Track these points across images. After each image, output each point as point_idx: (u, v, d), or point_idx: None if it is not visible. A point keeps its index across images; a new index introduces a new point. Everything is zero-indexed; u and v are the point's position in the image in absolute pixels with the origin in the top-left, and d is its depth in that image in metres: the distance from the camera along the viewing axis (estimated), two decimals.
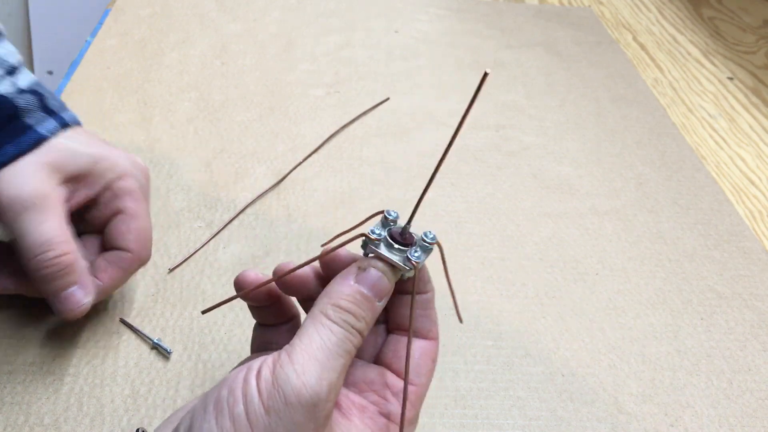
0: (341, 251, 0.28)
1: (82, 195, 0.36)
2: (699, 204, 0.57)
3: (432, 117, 0.64)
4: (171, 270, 0.45)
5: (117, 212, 0.37)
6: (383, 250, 0.27)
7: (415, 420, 0.28)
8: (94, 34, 0.70)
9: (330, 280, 0.27)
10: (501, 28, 0.81)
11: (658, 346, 0.44)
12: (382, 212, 0.28)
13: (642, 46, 0.82)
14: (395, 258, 0.27)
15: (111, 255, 0.37)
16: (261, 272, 0.30)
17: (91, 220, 0.38)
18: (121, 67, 0.65)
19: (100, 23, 0.71)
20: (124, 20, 0.72)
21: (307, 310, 0.31)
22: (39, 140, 0.34)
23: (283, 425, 0.22)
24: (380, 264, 0.27)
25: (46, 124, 0.35)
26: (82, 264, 0.35)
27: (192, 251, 0.46)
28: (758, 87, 0.76)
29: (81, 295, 0.34)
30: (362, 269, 0.26)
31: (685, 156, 0.63)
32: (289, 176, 0.54)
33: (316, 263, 0.29)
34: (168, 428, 0.26)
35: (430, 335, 0.29)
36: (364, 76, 0.68)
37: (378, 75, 0.69)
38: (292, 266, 0.28)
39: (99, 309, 0.42)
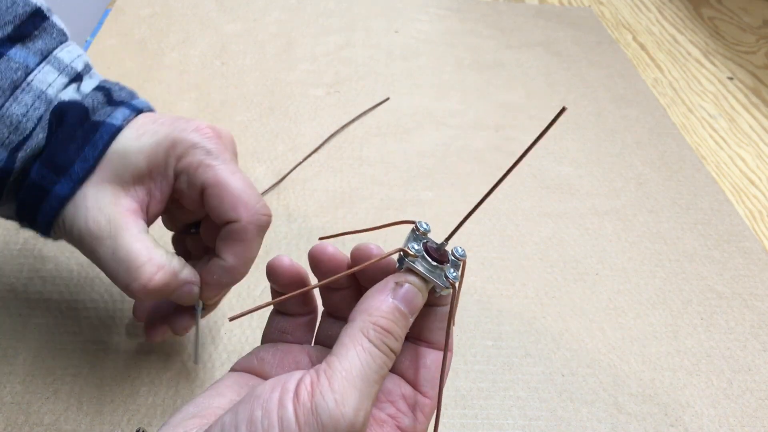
0: (375, 252, 0.27)
1: (158, 191, 0.33)
2: (699, 204, 0.57)
3: (432, 117, 0.64)
4: None
5: (203, 189, 0.32)
6: (421, 267, 0.26)
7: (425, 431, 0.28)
8: (94, 34, 0.70)
9: (358, 277, 0.28)
10: (501, 28, 0.81)
11: (658, 346, 0.44)
12: (411, 222, 0.28)
13: (642, 46, 0.82)
14: (434, 276, 0.26)
15: (225, 232, 0.33)
16: (295, 261, 0.29)
17: (192, 207, 0.34)
18: (121, 67, 0.65)
19: (100, 23, 0.71)
20: (124, 20, 0.72)
21: (326, 299, 0.31)
22: (114, 132, 0.32)
23: None
24: (416, 280, 0.26)
25: (117, 115, 0.33)
26: (174, 264, 0.32)
27: None
28: (758, 87, 0.76)
29: (189, 290, 0.33)
30: (399, 284, 0.26)
31: (685, 156, 0.63)
32: (289, 176, 0.54)
33: (346, 255, 0.28)
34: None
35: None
36: (364, 76, 0.68)
37: (378, 75, 0.69)
38: (329, 250, 0.28)
39: (99, 308, 0.42)
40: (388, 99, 0.65)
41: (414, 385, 0.29)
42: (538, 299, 0.47)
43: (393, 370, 0.29)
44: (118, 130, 0.32)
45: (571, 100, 0.69)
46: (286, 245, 0.48)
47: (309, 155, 0.56)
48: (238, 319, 0.43)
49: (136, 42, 0.69)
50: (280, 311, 0.31)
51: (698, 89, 0.75)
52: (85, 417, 0.36)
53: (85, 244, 0.31)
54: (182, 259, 0.33)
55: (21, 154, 0.31)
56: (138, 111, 0.34)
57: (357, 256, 0.28)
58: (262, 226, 0.33)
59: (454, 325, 0.30)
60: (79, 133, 0.32)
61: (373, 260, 0.27)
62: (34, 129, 0.31)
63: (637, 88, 0.72)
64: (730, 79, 0.77)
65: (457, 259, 0.27)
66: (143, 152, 0.32)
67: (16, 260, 0.44)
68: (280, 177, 0.54)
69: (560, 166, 0.60)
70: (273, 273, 0.29)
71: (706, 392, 0.42)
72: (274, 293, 0.30)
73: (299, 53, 0.71)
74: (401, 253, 0.27)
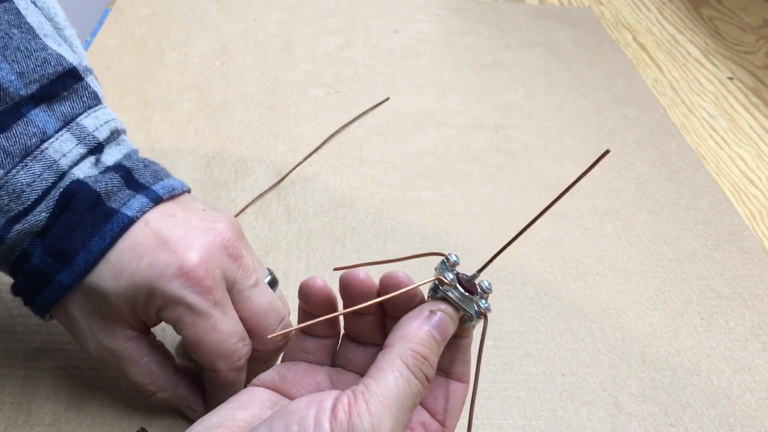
0: (404, 281, 0.27)
1: (150, 320, 0.31)
2: (699, 204, 0.57)
3: (432, 117, 0.64)
4: None
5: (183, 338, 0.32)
6: (454, 295, 0.27)
7: None
8: (94, 34, 0.70)
9: (384, 304, 0.28)
10: (501, 28, 0.81)
11: (658, 346, 0.44)
12: (440, 254, 0.28)
13: (642, 46, 0.82)
14: (465, 305, 0.27)
15: (208, 373, 0.33)
16: (327, 283, 0.29)
17: None
18: (121, 67, 0.65)
19: (100, 23, 0.71)
20: (124, 20, 0.72)
21: (349, 323, 0.31)
22: (126, 225, 0.30)
23: None
24: (449, 309, 0.27)
25: (133, 204, 0.30)
26: (179, 389, 0.34)
27: None
28: (758, 87, 0.76)
29: (193, 414, 0.35)
30: (434, 312, 0.26)
31: (685, 156, 0.63)
32: (289, 176, 0.54)
33: (375, 281, 0.29)
34: None
35: (464, 378, 0.30)
36: (364, 76, 0.68)
37: (378, 75, 0.69)
38: (361, 276, 0.28)
39: None
40: (388, 99, 0.65)
41: (432, 413, 0.29)
42: (538, 299, 0.47)
43: None
44: (131, 222, 0.30)
45: (571, 100, 0.69)
46: (286, 245, 0.48)
47: (309, 155, 0.56)
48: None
49: (136, 42, 0.69)
50: (305, 332, 0.31)
51: (698, 89, 0.75)
52: (85, 417, 0.36)
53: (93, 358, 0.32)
54: (189, 384, 0.35)
55: (18, 227, 0.29)
56: (157, 200, 0.31)
57: (386, 284, 0.28)
58: (242, 369, 0.33)
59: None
60: (89, 220, 0.30)
61: (405, 288, 0.27)
62: (38, 201, 0.30)
63: (637, 88, 0.72)
64: (730, 79, 0.77)
65: (484, 291, 0.28)
66: (122, 297, 0.30)
67: None
68: (280, 177, 0.54)
69: (560, 166, 0.59)
70: (305, 294, 0.29)
71: (706, 392, 0.42)
72: (302, 312, 0.30)
73: (299, 53, 0.71)
74: (436, 281, 0.27)
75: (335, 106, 0.63)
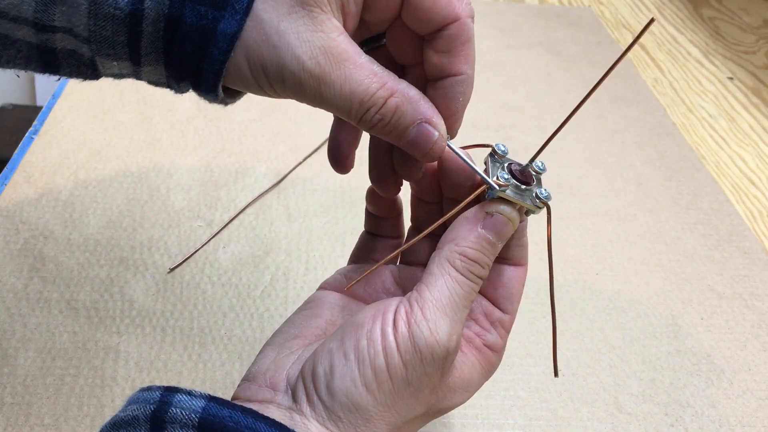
0: (459, 160, 0.28)
1: (353, 2, 0.27)
2: (699, 204, 0.57)
3: None
4: (171, 270, 0.45)
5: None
6: (512, 192, 0.27)
7: (504, 348, 0.29)
8: None
9: (442, 187, 0.30)
10: (501, 28, 0.81)
11: (658, 346, 0.44)
12: (486, 145, 0.28)
13: (642, 46, 0.82)
14: (524, 200, 0.27)
15: (443, 40, 0.29)
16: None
17: (380, 15, 0.28)
18: None
19: None
20: None
21: (415, 211, 0.32)
22: None
23: (417, 377, 0.24)
24: (507, 209, 0.27)
25: None
26: (411, 92, 0.27)
27: (192, 251, 0.46)
28: (758, 87, 0.76)
29: (428, 129, 0.28)
30: (489, 214, 0.27)
31: (685, 156, 0.63)
32: (289, 176, 0.54)
33: (434, 165, 0.30)
34: (284, 352, 0.27)
35: (522, 262, 0.30)
36: None
37: None
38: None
39: (99, 308, 0.42)
40: None
41: (493, 301, 0.29)
42: (539, 299, 0.47)
43: None
44: None
45: (571, 100, 0.69)
46: (287, 245, 0.48)
47: (309, 155, 0.56)
48: (237, 320, 0.43)
49: None
50: (371, 233, 0.33)
51: (698, 89, 0.75)
52: (85, 417, 0.36)
53: (304, 87, 0.26)
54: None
55: None
56: None
57: (444, 163, 0.29)
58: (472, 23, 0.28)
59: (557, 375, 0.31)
60: None
61: (470, 145, 0.29)
62: None
63: (637, 88, 0.72)
64: (730, 79, 0.77)
65: (538, 172, 0.28)
66: None
67: (16, 260, 0.44)
68: (280, 177, 0.54)
69: (561, 166, 0.59)
70: (372, 197, 0.32)
71: (706, 392, 0.42)
72: (368, 215, 0.33)
73: None
74: (494, 185, 0.27)
75: None
